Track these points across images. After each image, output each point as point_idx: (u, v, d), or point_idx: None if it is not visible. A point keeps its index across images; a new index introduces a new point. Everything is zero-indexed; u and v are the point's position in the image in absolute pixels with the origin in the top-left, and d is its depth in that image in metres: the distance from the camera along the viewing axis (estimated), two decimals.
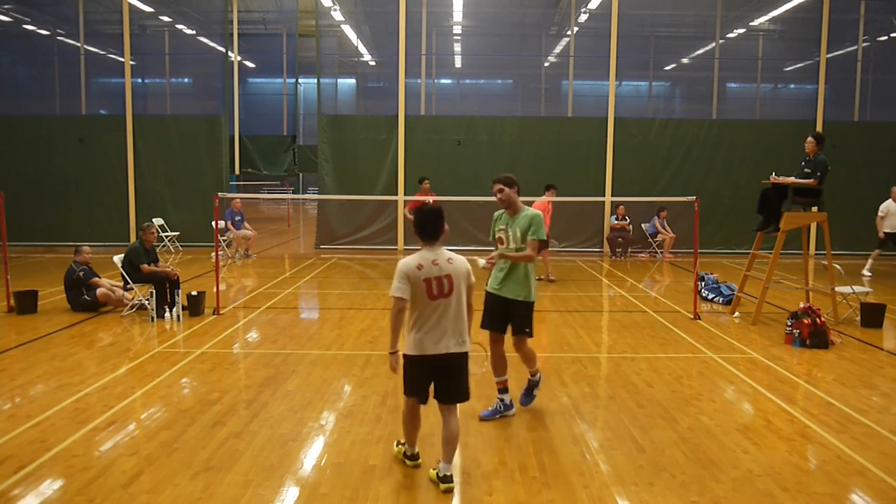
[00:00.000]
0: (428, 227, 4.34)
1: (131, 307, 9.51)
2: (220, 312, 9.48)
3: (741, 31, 19.85)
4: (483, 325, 5.59)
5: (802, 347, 7.89)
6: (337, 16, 19.96)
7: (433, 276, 4.25)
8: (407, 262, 4.27)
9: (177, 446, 4.90)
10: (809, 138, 9.22)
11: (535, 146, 17.10)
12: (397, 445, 4.81)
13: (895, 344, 8.25)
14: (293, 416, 5.56)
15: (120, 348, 7.73)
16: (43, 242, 16.83)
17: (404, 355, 4.36)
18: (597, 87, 18.65)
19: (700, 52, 20.56)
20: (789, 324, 8.10)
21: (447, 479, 4.29)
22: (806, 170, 9.14)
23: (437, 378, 4.35)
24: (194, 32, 21.03)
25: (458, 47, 21.45)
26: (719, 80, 19.68)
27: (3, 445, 4.89)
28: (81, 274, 9.50)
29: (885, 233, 13.67)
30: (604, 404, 6.02)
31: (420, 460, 4.65)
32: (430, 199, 12.16)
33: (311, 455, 4.83)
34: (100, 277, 9.73)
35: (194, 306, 9.35)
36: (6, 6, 18.88)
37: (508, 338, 5.61)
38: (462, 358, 4.38)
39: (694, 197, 9.68)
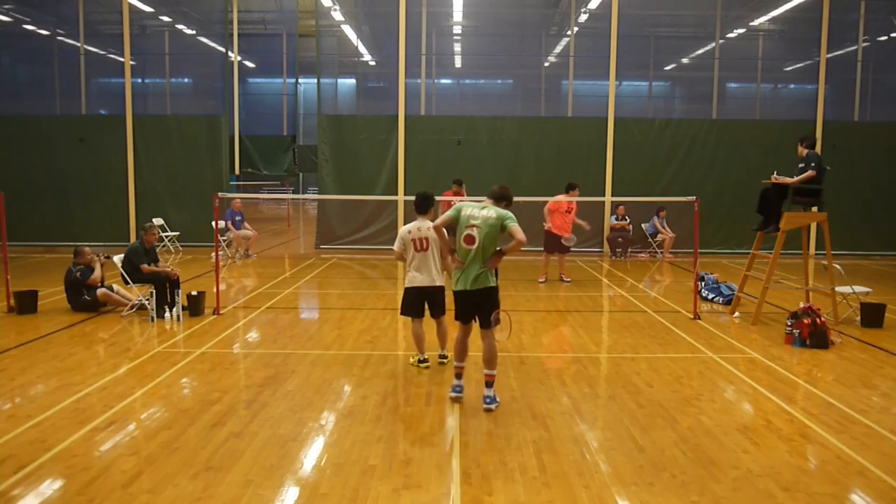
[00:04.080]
0: (420, 205, 6.74)
1: (131, 307, 9.51)
2: (220, 312, 9.48)
3: (741, 31, 19.83)
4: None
5: (802, 347, 7.89)
6: (337, 16, 19.94)
7: (418, 237, 6.65)
8: (404, 228, 6.82)
9: (177, 446, 4.90)
10: (798, 144, 9.30)
11: (535, 146, 17.09)
12: (411, 360, 7.09)
13: (895, 344, 8.24)
14: (293, 416, 5.56)
15: (120, 348, 7.73)
16: (43, 242, 16.81)
17: (405, 288, 6.85)
18: (597, 87, 18.63)
19: (700, 52, 20.54)
20: (789, 324, 8.10)
21: (443, 356, 7.08)
22: (800, 165, 9.17)
23: (425, 300, 6.80)
24: (194, 32, 21.03)
25: (458, 47, 21.43)
26: (719, 80, 19.66)
27: (3, 445, 4.90)
28: (78, 274, 9.50)
29: None
30: (604, 404, 6.02)
31: (429, 363, 6.93)
32: (459, 199, 12.25)
33: (311, 455, 4.83)
34: (99, 270, 9.67)
35: (194, 306, 9.35)
36: (6, 6, 18.86)
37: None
38: (437, 289, 6.76)
39: (694, 197, 9.69)
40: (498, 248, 5.72)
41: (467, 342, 5.98)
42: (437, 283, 6.78)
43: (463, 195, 12.45)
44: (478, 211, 5.71)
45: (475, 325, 5.96)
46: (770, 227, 9.33)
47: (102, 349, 7.73)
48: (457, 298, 5.86)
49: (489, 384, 5.79)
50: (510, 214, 5.73)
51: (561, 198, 12.30)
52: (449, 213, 5.80)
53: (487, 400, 5.75)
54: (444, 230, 5.93)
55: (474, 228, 5.64)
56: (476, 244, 5.63)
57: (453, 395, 5.89)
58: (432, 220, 6.68)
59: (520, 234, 5.57)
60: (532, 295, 11.36)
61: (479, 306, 5.79)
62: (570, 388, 6.38)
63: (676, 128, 17.23)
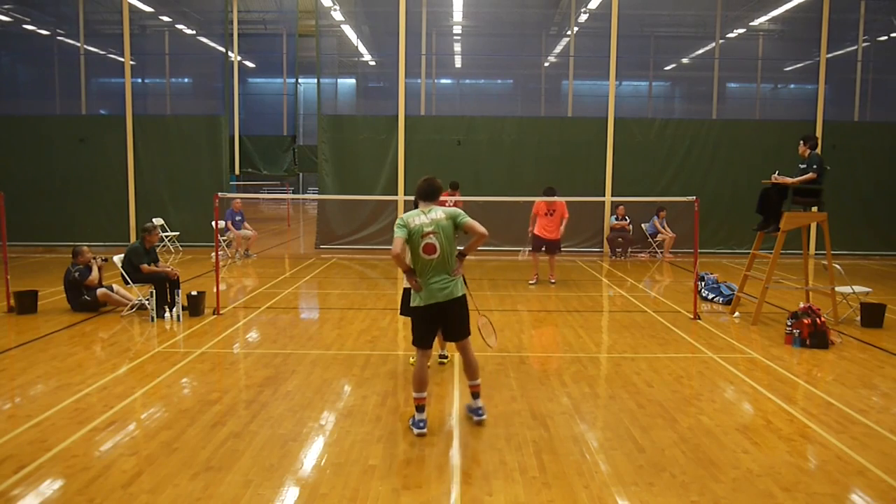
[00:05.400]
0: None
1: (131, 307, 9.51)
2: (220, 312, 9.48)
3: (741, 31, 19.83)
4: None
5: (802, 347, 7.89)
6: (337, 16, 19.95)
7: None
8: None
9: (177, 446, 4.90)
10: (800, 142, 9.27)
11: (535, 146, 17.10)
12: (411, 360, 6.78)
13: (895, 344, 8.25)
14: (293, 416, 5.56)
15: (120, 348, 7.73)
16: (43, 242, 16.82)
17: (404, 289, 6.48)
18: (597, 87, 18.64)
19: (700, 52, 20.55)
20: (789, 324, 8.10)
21: (444, 356, 7.14)
22: (801, 166, 9.17)
23: None
24: (194, 32, 21.02)
25: (458, 47, 21.43)
26: (719, 80, 19.66)
27: (3, 445, 4.90)
28: (77, 274, 9.49)
29: None
30: (604, 404, 6.02)
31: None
32: (455, 199, 12.22)
33: (311, 455, 4.83)
34: (96, 271, 9.67)
35: (194, 306, 9.35)
36: (6, 6, 18.86)
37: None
38: None
39: (694, 197, 9.69)
40: (459, 251, 5.36)
41: (427, 370, 5.38)
42: None
43: (458, 195, 12.42)
44: (425, 217, 5.23)
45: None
46: (770, 227, 9.33)
47: (102, 349, 7.73)
48: (421, 316, 5.31)
49: (476, 395, 5.47)
50: (459, 210, 5.34)
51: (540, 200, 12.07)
52: (397, 233, 5.18)
53: (479, 412, 5.43)
54: (404, 254, 5.29)
55: (431, 236, 5.17)
56: (437, 252, 5.18)
57: (417, 431, 5.17)
58: None
59: (479, 227, 5.21)
60: (532, 295, 11.36)
61: (454, 318, 5.33)
62: (570, 388, 6.38)
63: (676, 128, 17.23)
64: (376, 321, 9.24)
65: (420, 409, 5.25)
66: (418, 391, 5.28)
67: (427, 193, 5.42)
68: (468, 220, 5.27)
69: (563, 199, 12.10)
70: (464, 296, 5.38)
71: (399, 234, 5.18)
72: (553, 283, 12.34)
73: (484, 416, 5.46)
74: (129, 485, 4.30)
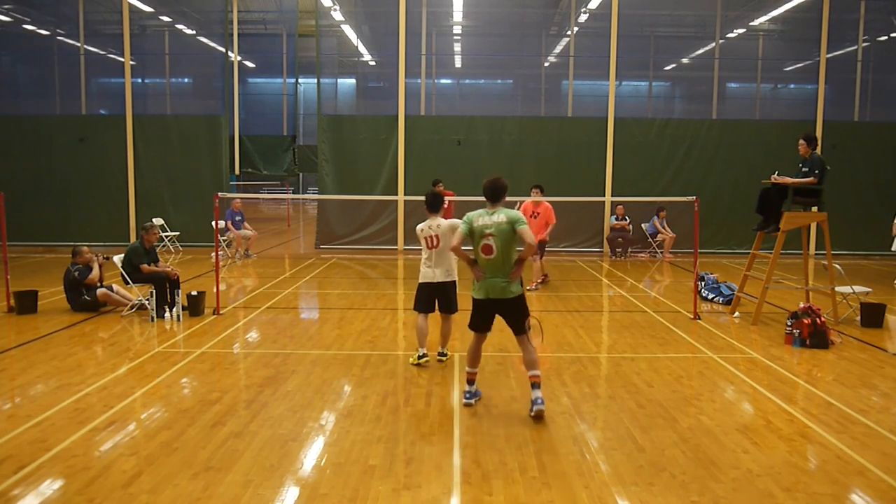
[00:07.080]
0: (430, 203, 7.00)
1: (131, 307, 9.51)
2: (220, 312, 9.47)
3: (741, 31, 19.83)
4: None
5: (802, 347, 7.89)
6: (337, 16, 19.94)
7: (428, 235, 6.93)
8: (418, 226, 7.05)
9: (177, 446, 4.90)
10: (801, 140, 9.23)
11: (535, 146, 17.11)
12: (411, 359, 7.11)
13: (895, 344, 8.24)
14: (293, 416, 5.56)
15: (120, 348, 7.73)
16: (43, 242, 16.83)
17: (418, 283, 7.09)
18: (597, 87, 18.64)
19: (700, 52, 20.54)
20: (789, 324, 8.10)
21: (443, 354, 7.20)
22: (804, 169, 9.14)
23: (436, 297, 6.98)
24: (194, 32, 21.01)
25: (458, 47, 21.42)
26: (719, 80, 19.66)
27: (3, 445, 4.89)
28: (77, 274, 9.49)
29: None
30: (604, 404, 6.02)
31: (427, 357, 7.05)
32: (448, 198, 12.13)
33: (311, 455, 4.83)
34: (97, 269, 9.66)
35: (194, 306, 9.35)
36: (6, 6, 18.87)
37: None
38: (449, 285, 6.97)
39: (694, 197, 9.69)
40: (518, 257, 5.63)
41: (481, 349, 5.93)
42: (449, 279, 6.98)
43: (451, 194, 12.32)
44: (489, 218, 5.59)
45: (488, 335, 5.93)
46: (770, 227, 9.32)
47: (102, 349, 7.73)
48: (476, 307, 5.77)
49: (536, 385, 5.54)
50: (520, 216, 5.61)
51: (528, 200, 11.66)
52: (461, 228, 5.71)
53: (539, 401, 5.49)
54: (462, 246, 5.74)
55: (490, 237, 5.54)
56: (494, 253, 5.54)
57: (465, 401, 5.84)
58: (444, 218, 7.03)
59: (529, 236, 5.49)
60: (531, 295, 11.35)
61: (508, 315, 5.70)
62: (570, 388, 6.38)
63: (676, 128, 17.24)
64: (376, 321, 9.24)
65: (470, 382, 5.92)
66: (470, 366, 5.91)
67: (491, 193, 5.69)
68: (523, 227, 5.54)
69: (549, 201, 11.72)
70: (519, 296, 5.67)
71: (463, 229, 5.73)
72: (531, 288, 11.65)
73: (543, 407, 5.51)
74: (129, 485, 4.30)
